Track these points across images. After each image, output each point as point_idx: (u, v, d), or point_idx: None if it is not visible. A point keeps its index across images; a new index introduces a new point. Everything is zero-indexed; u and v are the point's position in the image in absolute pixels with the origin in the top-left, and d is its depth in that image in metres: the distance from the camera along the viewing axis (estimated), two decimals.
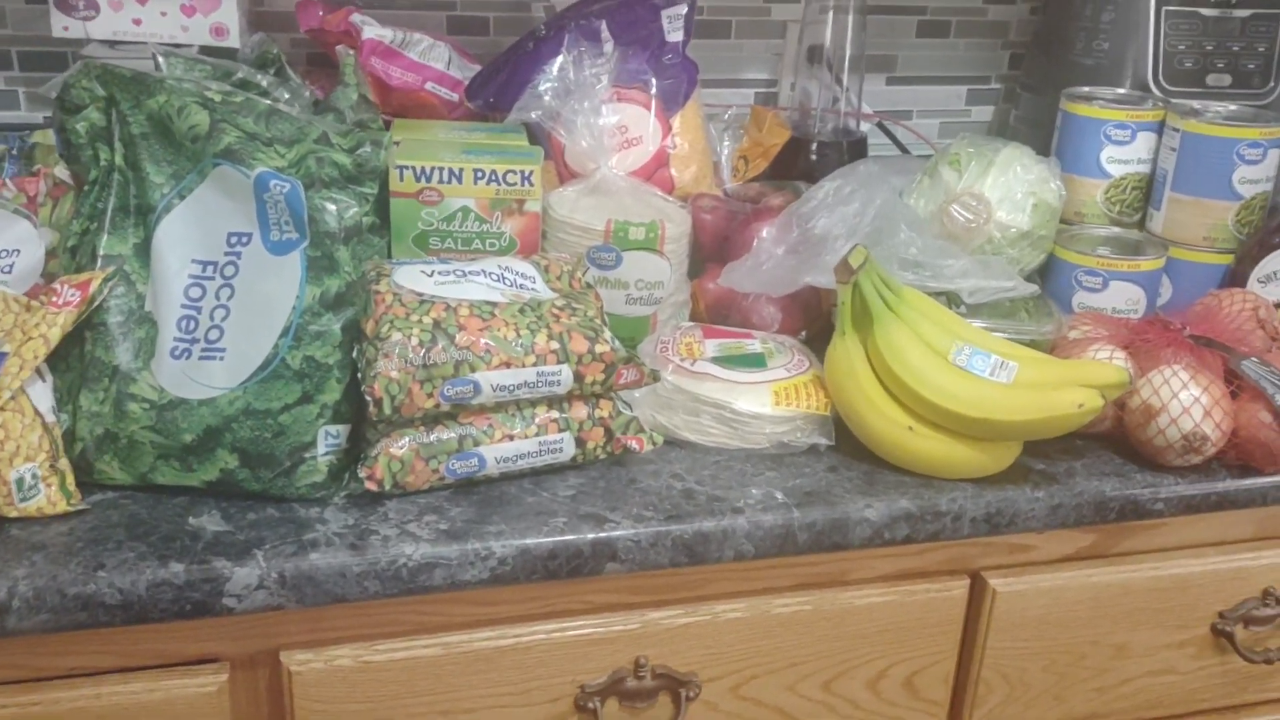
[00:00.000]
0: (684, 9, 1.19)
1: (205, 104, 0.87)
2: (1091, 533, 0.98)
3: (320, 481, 0.84)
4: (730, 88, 1.44)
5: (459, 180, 1.00)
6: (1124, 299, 1.09)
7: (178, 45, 1.15)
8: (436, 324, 0.84)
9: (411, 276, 0.89)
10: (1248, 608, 1.03)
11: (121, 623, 0.76)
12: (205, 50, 1.15)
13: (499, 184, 1.00)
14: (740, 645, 0.91)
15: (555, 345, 0.86)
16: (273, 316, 0.84)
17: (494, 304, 0.88)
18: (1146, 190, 1.17)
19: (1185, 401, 0.92)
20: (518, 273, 0.94)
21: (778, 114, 1.32)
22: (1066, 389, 0.88)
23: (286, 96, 1.01)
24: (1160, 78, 1.24)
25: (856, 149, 1.36)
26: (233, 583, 0.77)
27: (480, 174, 1.00)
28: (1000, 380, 0.91)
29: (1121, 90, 1.22)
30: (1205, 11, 1.23)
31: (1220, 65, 1.24)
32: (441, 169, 0.99)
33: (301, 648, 0.83)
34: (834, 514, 0.88)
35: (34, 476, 0.79)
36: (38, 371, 0.82)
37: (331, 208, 0.85)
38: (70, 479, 0.82)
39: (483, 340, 0.85)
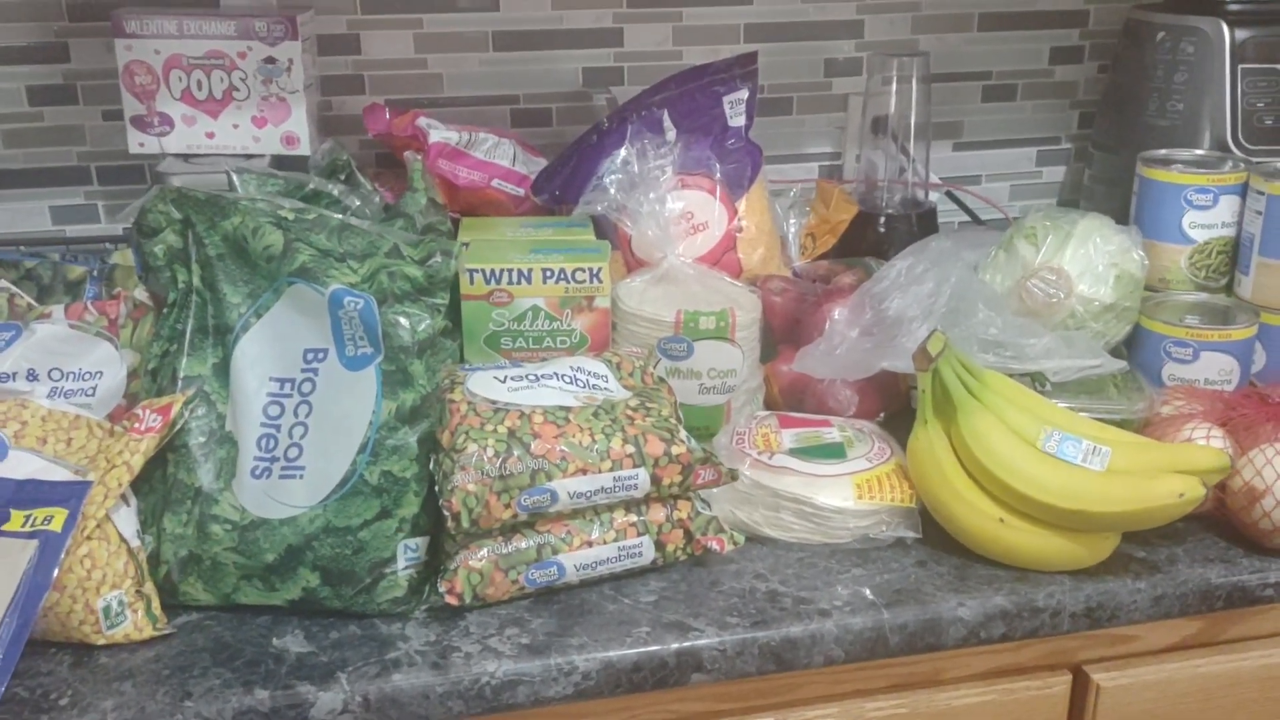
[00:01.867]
0: (745, 94, 1.19)
1: (279, 223, 0.88)
2: (1197, 620, 0.94)
3: (400, 596, 0.83)
4: (794, 163, 1.44)
5: (528, 280, 1.00)
6: (1216, 370, 1.05)
7: (250, 156, 1.18)
8: (511, 433, 0.84)
9: (485, 383, 0.89)
10: None
11: None
12: (277, 159, 1.18)
13: (568, 282, 1.00)
14: None
15: (631, 449, 0.85)
16: (350, 432, 0.84)
17: (568, 409, 0.87)
18: (1233, 254, 1.13)
19: None
20: (590, 372, 0.93)
21: (844, 189, 1.31)
22: (1165, 477, 0.84)
23: (357, 204, 1.03)
24: (1240, 137, 1.20)
25: (925, 220, 1.34)
26: (317, 708, 0.76)
27: (549, 273, 1.00)
28: (1093, 467, 0.88)
29: (1200, 151, 1.18)
30: None
31: None
32: (510, 270, 0.99)
33: None
34: (926, 614, 0.85)
35: (120, 603, 0.80)
36: (122, 496, 0.83)
37: (405, 322, 0.85)
38: (156, 603, 0.82)
39: (558, 448, 0.84)
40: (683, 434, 0.88)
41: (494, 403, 0.87)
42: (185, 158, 1.17)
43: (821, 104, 1.42)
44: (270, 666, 0.78)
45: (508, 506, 0.83)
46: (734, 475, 0.90)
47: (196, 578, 0.83)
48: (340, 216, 0.92)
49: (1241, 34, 1.21)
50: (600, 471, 0.84)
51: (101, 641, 0.79)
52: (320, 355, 0.86)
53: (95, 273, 1.00)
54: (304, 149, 1.18)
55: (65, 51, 1.23)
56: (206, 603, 0.84)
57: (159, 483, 0.86)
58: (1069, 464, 0.88)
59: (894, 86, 1.30)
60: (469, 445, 0.83)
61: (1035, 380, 1.01)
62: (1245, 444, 0.93)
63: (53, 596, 0.78)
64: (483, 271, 0.99)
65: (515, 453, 0.83)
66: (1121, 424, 1.01)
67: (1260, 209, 1.09)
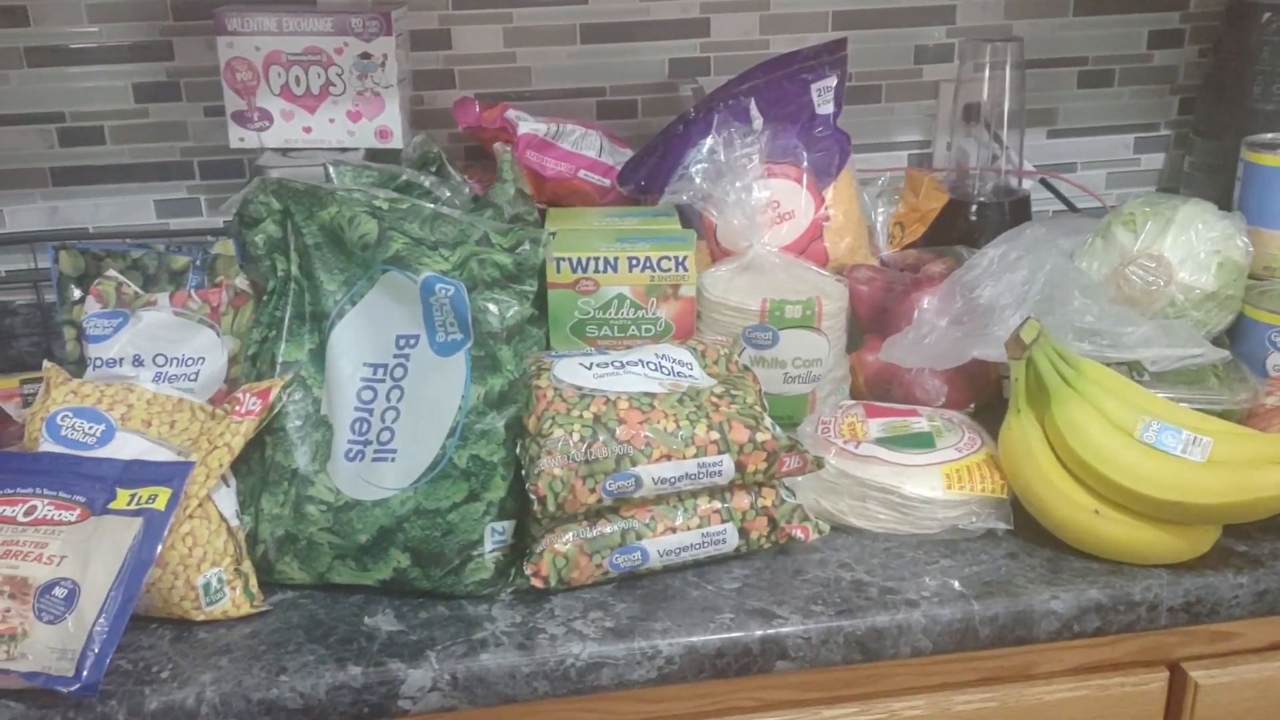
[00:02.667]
0: (834, 81, 1.18)
1: (374, 213, 0.90)
2: None
3: (488, 578, 0.85)
4: (882, 151, 1.42)
5: (614, 269, 1.00)
6: None
7: (345, 150, 1.20)
8: (597, 418, 0.85)
9: (571, 370, 0.90)
10: None
11: None
12: (371, 153, 1.20)
13: (654, 270, 1.01)
14: None
15: (716, 435, 0.85)
16: (440, 417, 0.85)
17: (653, 395, 0.88)
18: None
19: None
20: (675, 360, 0.94)
21: (934, 177, 1.29)
22: (1269, 468, 0.81)
23: (448, 194, 1.04)
24: None
25: (1019, 208, 1.31)
26: (408, 685, 0.78)
27: (635, 262, 1.00)
28: (1193, 458, 0.85)
29: None
30: None
31: None
32: (597, 259, 1.00)
33: None
34: (1017, 606, 0.83)
35: (220, 580, 0.82)
36: (222, 477, 0.86)
37: (494, 308, 0.87)
38: (254, 581, 0.85)
39: (643, 433, 0.84)
40: (768, 421, 0.88)
41: (580, 389, 0.88)
42: (283, 152, 1.20)
43: (911, 91, 1.40)
44: (362, 644, 0.80)
45: (593, 491, 0.83)
46: (820, 463, 0.89)
47: (292, 557, 0.86)
48: (433, 206, 0.93)
49: None
50: (685, 458, 0.85)
51: (201, 617, 0.82)
52: (412, 341, 0.88)
53: (198, 262, 1.03)
54: (397, 142, 1.20)
55: (170, 50, 1.27)
56: (301, 582, 0.86)
57: (257, 464, 0.88)
58: (1168, 454, 0.85)
59: (986, 73, 1.28)
60: (555, 430, 0.84)
61: (1132, 369, 0.98)
62: None
63: (155, 573, 0.80)
64: (569, 260, 1.00)
65: (600, 438, 0.84)
66: (1223, 415, 0.98)
67: None
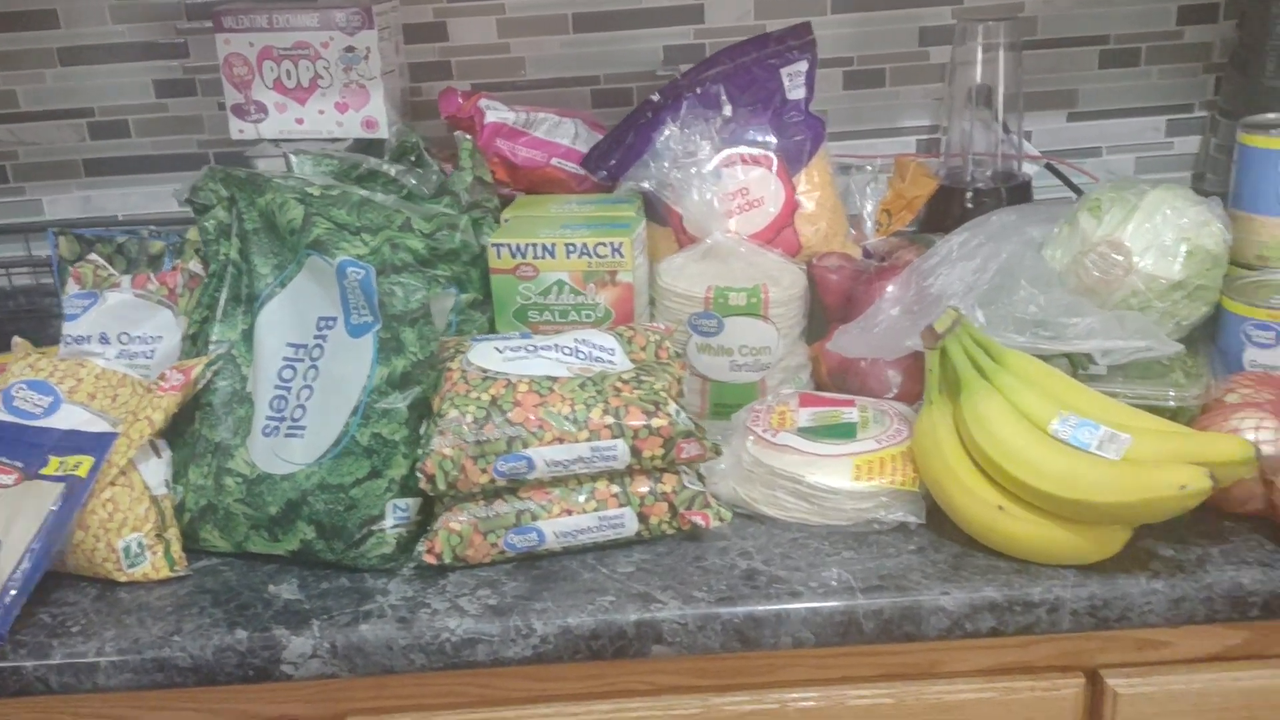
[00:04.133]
0: (804, 66, 1.16)
1: (303, 199, 0.94)
2: (1241, 630, 0.85)
3: (389, 553, 0.87)
4: (888, 137, 1.39)
5: (552, 255, 1.02)
6: None
7: (335, 140, 1.25)
8: (494, 401, 0.86)
9: (484, 354, 0.92)
10: None
11: (194, 684, 0.82)
12: (360, 142, 1.25)
13: (590, 256, 1.02)
14: None
15: (610, 420, 0.86)
16: (346, 396, 0.88)
17: (555, 379, 0.89)
18: None
19: None
20: (596, 345, 0.94)
21: (922, 163, 1.25)
22: (1173, 468, 0.77)
23: (414, 182, 1.08)
24: None
25: (1017, 194, 1.26)
26: (289, 651, 0.81)
27: (572, 248, 1.02)
28: (1107, 455, 0.81)
29: None
30: None
31: None
32: (535, 245, 1.02)
33: (366, 714, 0.86)
34: (905, 601, 0.81)
35: (140, 545, 0.87)
36: (154, 448, 0.91)
37: (399, 291, 0.89)
38: (176, 547, 0.90)
39: (536, 416, 0.86)
40: (671, 408, 0.88)
41: (485, 371, 0.89)
42: (276, 142, 1.26)
43: (917, 75, 1.36)
44: (258, 610, 0.84)
45: (484, 472, 0.85)
46: (717, 450, 0.89)
47: (213, 526, 0.90)
48: (364, 193, 0.97)
49: None
50: (578, 441, 0.86)
51: (123, 579, 0.87)
52: (331, 323, 0.91)
53: (172, 247, 1.09)
54: (383, 132, 1.24)
55: (185, 48, 1.34)
56: (223, 550, 0.91)
57: (191, 438, 0.93)
58: (1078, 450, 0.82)
59: (980, 54, 1.23)
60: (450, 411, 0.86)
61: (1075, 363, 0.94)
62: None
63: (80, 535, 0.86)
64: (509, 246, 1.02)
65: (494, 420, 0.85)
66: (1176, 411, 0.93)
67: None
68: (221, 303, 0.96)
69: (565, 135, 1.22)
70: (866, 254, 1.20)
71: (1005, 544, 0.84)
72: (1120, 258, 0.97)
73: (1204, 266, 0.98)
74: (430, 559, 0.86)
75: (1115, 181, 1.03)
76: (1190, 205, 0.99)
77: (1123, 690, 0.85)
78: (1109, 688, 0.85)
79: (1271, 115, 1.07)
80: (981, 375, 0.87)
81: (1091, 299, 0.99)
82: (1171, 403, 0.92)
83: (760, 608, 0.81)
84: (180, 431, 0.94)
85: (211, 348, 0.95)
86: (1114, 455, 0.81)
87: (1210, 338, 1.02)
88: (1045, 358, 0.92)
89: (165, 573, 0.88)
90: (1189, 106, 1.38)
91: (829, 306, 1.12)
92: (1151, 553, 0.83)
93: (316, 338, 0.92)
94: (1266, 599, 0.81)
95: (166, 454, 0.93)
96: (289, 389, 0.91)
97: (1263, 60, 1.15)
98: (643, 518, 0.88)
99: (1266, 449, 0.83)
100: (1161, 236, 0.97)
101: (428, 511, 0.90)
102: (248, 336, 0.95)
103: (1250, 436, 0.83)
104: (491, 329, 1.05)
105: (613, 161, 1.17)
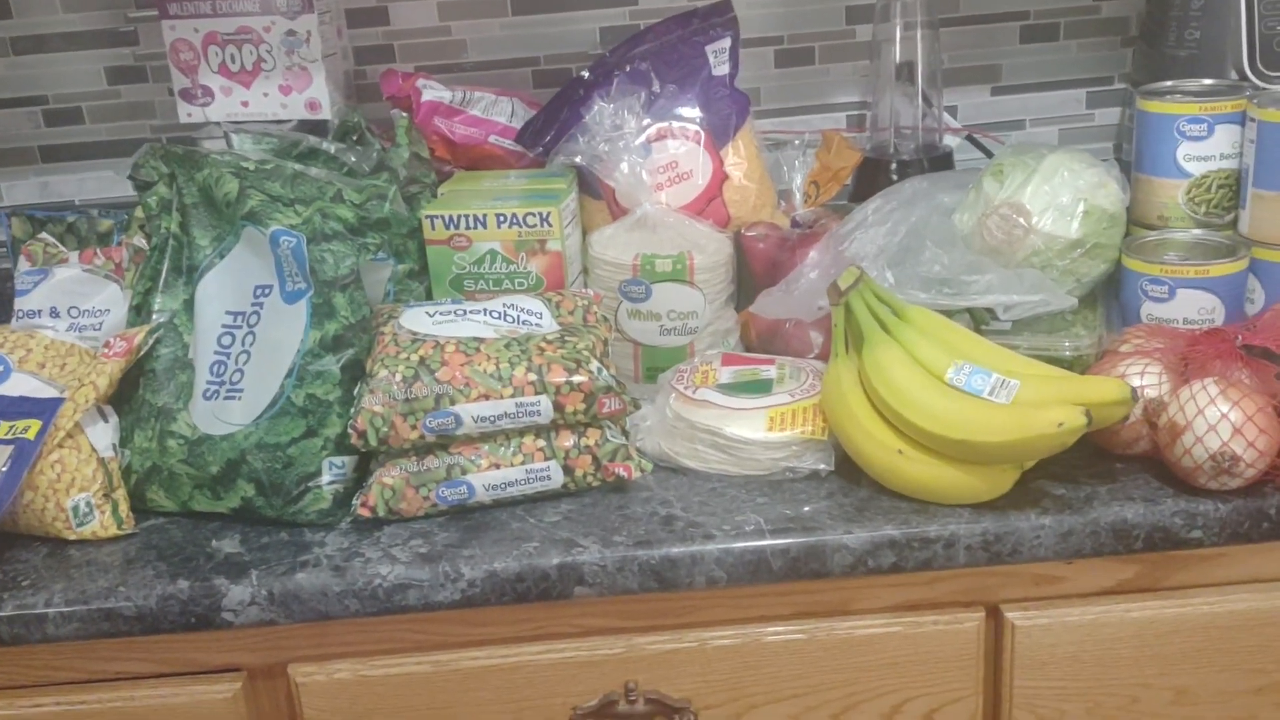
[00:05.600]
0: (728, 42, 1.21)
1: (238, 173, 0.98)
2: (1132, 564, 0.90)
3: (327, 508, 0.92)
4: (820, 113, 1.43)
5: (483, 225, 1.06)
6: (1196, 308, 1.00)
7: (280, 121, 1.29)
8: (422, 361, 0.91)
9: (415, 318, 0.96)
10: None
11: (140, 632, 0.86)
12: (304, 123, 1.29)
13: (521, 226, 1.06)
14: (734, 674, 0.91)
15: (533, 377, 0.90)
16: (281, 359, 0.93)
17: (481, 340, 0.93)
18: (1236, 188, 1.06)
19: (1211, 418, 0.83)
20: (524, 309, 0.99)
21: (846, 136, 1.30)
22: (1052, 407, 0.82)
23: (354, 160, 1.12)
24: (1259, 64, 1.12)
25: (939, 165, 1.31)
26: (229, 598, 0.85)
27: (502, 218, 1.06)
28: (999, 400, 0.86)
29: (1208, 82, 1.11)
30: None
31: None
32: (467, 216, 1.06)
33: (308, 661, 0.90)
34: (810, 540, 0.86)
35: (88, 505, 0.92)
36: (100, 412, 0.95)
37: (330, 258, 0.93)
38: (124, 507, 0.94)
39: (462, 374, 0.90)
40: (593, 365, 0.92)
41: (415, 334, 0.94)
42: (223, 125, 1.29)
43: (844, 52, 1.41)
44: (200, 563, 0.88)
45: (414, 428, 0.90)
46: (636, 405, 0.94)
47: (159, 486, 0.95)
48: (298, 166, 1.01)
49: None
50: (502, 398, 0.90)
51: (72, 537, 0.92)
52: (267, 290, 0.96)
53: (120, 225, 1.13)
54: (326, 113, 1.28)
55: (135, 35, 1.38)
56: (169, 509, 0.95)
57: (135, 403, 0.97)
58: (972, 396, 0.87)
59: (899, 32, 1.28)
60: (380, 371, 0.90)
61: (977, 318, 0.99)
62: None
63: (29, 495, 0.90)
64: (442, 218, 1.07)
65: (422, 378, 0.90)
66: (1073, 361, 0.98)
67: (1253, 137, 1.02)
68: (163, 274, 1.00)
69: (502, 113, 1.26)
70: (795, 224, 1.25)
71: (905, 485, 0.89)
72: (1021, 219, 1.02)
73: (1101, 225, 1.03)
74: (365, 512, 0.90)
75: (1017, 146, 1.08)
76: (1087, 168, 1.04)
77: (1020, 623, 0.90)
78: (1008, 621, 0.90)
79: (1168, 82, 1.12)
80: (883, 329, 0.92)
81: (996, 259, 1.04)
82: (1068, 353, 0.97)
83: (676, 549, 0.86)
84: (126, 397, 0.98)
85: (154, 317, 0.99)
86: (1005, 400, 0.86)
87: (1112, 294, 1.07)
88: (949, 313, 0.97)
89: (113, 531, 0.92)
90: (1108, 79, 1.43)
91: (757, 274, 1.17)
92: (1044, 492, 0.89)
93: (254, 305, 0.96)
94: (1148, 531, 0.86)
95: (113, 419, 0.97)
96: (228, 354, 0.95)
97: (1165, 31, 1.20)
98: (568, 470, 0.93)
99: (1150, 392, 0.89)
100: (1059, 197, 1.03)
101: (364, 469, 0.94)
102: (189, 306, 0.99)
103: (1136, 382, 0.89)
104: (428, 298, 1.09)
105: (547, 137, 1.21)
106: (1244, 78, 1.13)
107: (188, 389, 0.96)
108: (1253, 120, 1.02)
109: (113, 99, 1.41)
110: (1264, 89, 1.08)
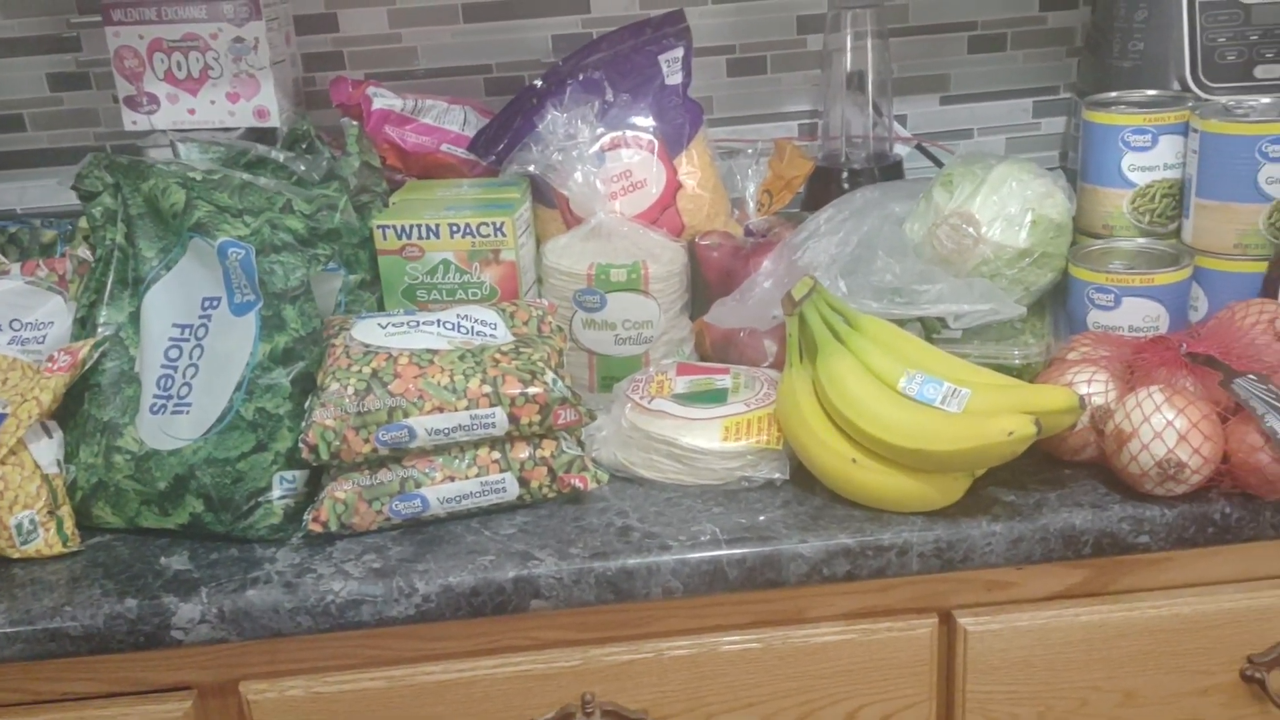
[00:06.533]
0: (680, 52, 1.21)
1: (184, 183, 0.97)
2: (1081, 569, 0.92)
3: (277, 524, 0.91)
4: (772, 122, 1.44)
5: (436, 235, 1.06)
6: (1141, 316, 1.01)
7: (228, 129, 1.27)
8: (374, 373, 0.90)
9: (367, 330, 0.95)
10: None
11: (87, 652, 0.84)
12: (252, 131, 1.27)
13: (474, 236, 1.06)
14: (690, 684, 0.91)
15: (488, 389, 0.90)
16: (230, 372, 0.91)
17: (435, 351, 0.93)
18: (1180, 197, 1.09)
19: (1157, 425, 0.85)
20: (478, 320, 0.98)
21: (798, 145, 1.31)
22: (1002, 416, 0.83)
23: (303, 169, 1.10)
24: (1200, 75, 1.14)
25: (890, 173, 1.33)
26: (178, 616, 0.84)
27: (455, 228, 1.05)
28: (950, 409, 0.87)
29: (1152, 93, 1.13)
30: None
31: (1270, 55, 1.13)
32: (420, 226, 1.06)
33: (259, 678, 0.89)
34: (766, 550, 0.86)
35: (32, 522, 0.90)
36: (45, 428, 0.93)
37: (279, 270, 0.92)
38: (69, 524, 0.92)
39: (416, 386, 0.89)
40: (548, 376, 0.92)
41: (367, 346, 0.93)
42: (168, 133, 1.27)
43: (796, 61, 1.42)
44: (148, 581, 0.87)
45: (367, 441, 0.89)
46: (592, 416, 0.93)
47: (105, 503, 0.93)
48: (246, 176, 1.00)
49: None
50: (457, 410, 0.90)
51: (16, 555, 0.90)
52: (214, 303, 0.94)
53: (64, 235, 1.11)
54: (274, 121, 1.27)
55: (78, 42, 1.36)
56: (116, 525, 0.94)
57: (80, 419, 0.96)
58: (924, 405, 0.88)
59: (849, 41, 1.29)
60: (332, 384, 0.89)
61: (929, 327, 1.00)
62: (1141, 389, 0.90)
63: None
64: (394, 227, 1.06)
65: (375, 391, 0.89)
66: (1022, 369, 0.99)
67: (1196, 148, 1.04)
68: (109, 286, 0.98)
69: (455, 121, 1.25)
70: (749, 232, 1.26)
71: (859, 494, 0.89)
72: (970, 228, 1.04)
73: (1048, 235, 1.05)
74: (316, 527, 0.89)
75: (966, 157, 1.09)
76: (1034, 178, 1.06)
77: (973, 628, 0.91)
78: (960, 626, 0.91)
79: (1113, 93, 1.14)
80: (836, 338, 0.92)
81: (947, 268, 1.05)
82: (1017, 361, 0.99)
83: (633, 561, 0.86)
84: (71, 412, 0.96)
85: (100, 330, 0.97)
86: (956, 408, 0.87)
87: (1059, 302, 1.09)
88: (901, 322, 0.98)
89: (59, 549, 0.90)
90: (1054, 89, 1.46)
91: (711, 283, 1.17)
92: (995, 499, 0.90)
93: (201, 317, 0.95)
94: (1096, 537, 0.87)
95: (57, 434, 0.95)
96: (175, 368, 0.94)
97: (1110, 42, 1.22)
98: (524, 482, 0.92)
99: (1097, 400, 0.90)
100: (1008, 208, 1.04)
101: (316, 483, 0.93)
102: (134, 318, 0.97)
103: (1083, 390, 0.90)
104: (380, 308, 1.08)
105: (500, 146, 1.21)
106: (1186, 89, 1.15)
107: (134, 403, 0.94)
108: (1195, 131, 1.04)
109: (55, 106, 1.38)
110: (1206, 100, 1.10)
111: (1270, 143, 0.99)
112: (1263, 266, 1.03)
